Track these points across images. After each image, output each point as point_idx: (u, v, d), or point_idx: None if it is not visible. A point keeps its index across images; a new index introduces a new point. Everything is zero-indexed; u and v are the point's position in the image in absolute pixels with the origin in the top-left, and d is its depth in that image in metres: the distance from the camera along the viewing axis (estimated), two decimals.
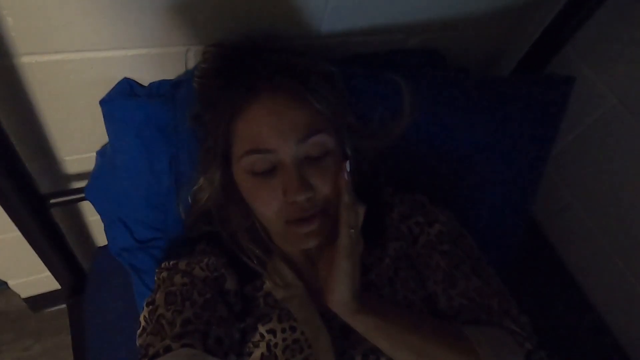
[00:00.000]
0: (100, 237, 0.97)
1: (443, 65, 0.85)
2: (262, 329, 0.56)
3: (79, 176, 0.78)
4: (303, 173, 0.52)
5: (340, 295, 0.50)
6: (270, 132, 0.51)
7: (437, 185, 0.77)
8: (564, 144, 0.87)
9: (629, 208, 0.77)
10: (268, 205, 0.54)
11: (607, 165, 0.80)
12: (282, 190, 0.52)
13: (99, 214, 0.71)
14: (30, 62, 0.56)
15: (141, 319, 0.55)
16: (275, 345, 0.55)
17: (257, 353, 0.55)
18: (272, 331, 0.56)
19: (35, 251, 0.73)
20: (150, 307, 0.54)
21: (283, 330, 0.56)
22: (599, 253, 0.84)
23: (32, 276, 1.03)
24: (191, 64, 0.65)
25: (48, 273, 0.83)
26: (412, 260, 0.62)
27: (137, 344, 0.52)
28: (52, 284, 1.02)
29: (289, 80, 0.53)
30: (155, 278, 0.59)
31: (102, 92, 0.63)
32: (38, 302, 1.13)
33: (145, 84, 0.66)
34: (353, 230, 0.51)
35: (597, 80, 0.79)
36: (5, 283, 1.02)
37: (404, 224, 0.64)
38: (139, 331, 0.54)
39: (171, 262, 0.59)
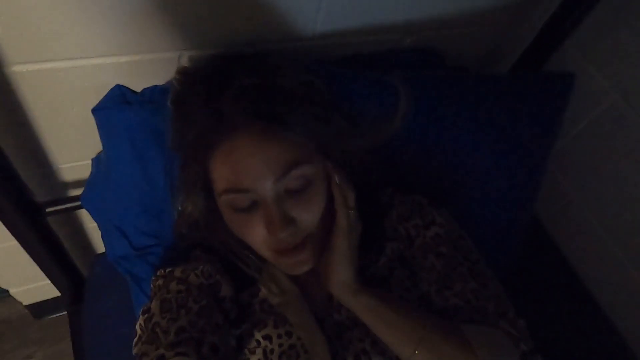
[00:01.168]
0: (99, 244, 0.97)
1: (441, 64, 0.84)
2: (258, 335, 0.56)
3: (76, 184, 0.77)
4: (284, 208, 0.51)
5: (340, 275, 0.53)
6: (246, 173, 0.50)
7: (437, 185, 0.77)
8: (565, 140, 0.86)
9: (632, 204, 0.76)
10: (253, 238, 0.54)
11: (609, 162, 0.79)
12: (265, 226, 0.51)
13: (96, 221, 0.71)
14: (22, 71, 0.56)
15: (137, 327, 0.55)
16: (272, 351, 0.55)
17: (253, 359, 0.55)
18: (268, 337, 0.55)
19: (33, 260, 0.73)
20: (146, 315, 0.54)
21: (279, 336, 0.55)
22: (603, 250, 0.83)
23: (34, 284, 1.03)
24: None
25: (49, 280, 0.83)
26: (408, 261, 0.62)
27: (133, 353, 0.52)
28: (54, 291, 1.01)
29: (262, 115, 0.50)
30: (151, 286, 0.59)
31: (95, 99, 0.63)
32: (40, 309, 1.13)
33: (138, 90, 0.65)
34: (352, 212, 0.54)
35: (598, 76, 0.78)
36: (7, 291, 1.02)
37: (402, 226, 0.63)
38: (134, 340, 0.54)
39: (167, 270, 0.59)
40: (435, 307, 0.57)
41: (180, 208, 0.62)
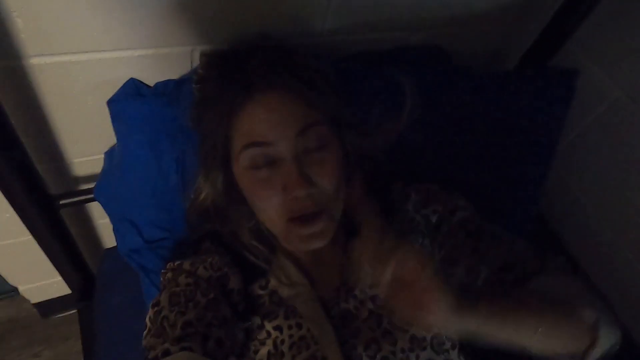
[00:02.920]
0: (108, 241, 0.98)
1: (447, 61, 0.85)
2: (268, 325, 0.56)
3: (88, 178, 0.78)
4: (303, 167, 0.52)
5: (442, 313, 0.42)
6: (267, 126, 0.51)
7: (443, 180, 0.77)
8: (570, 138, 0.87)
9: (637, 199, 0.77)
10: (269, 201, 0.53)
11: (614, 158, 0.80)
12: (283, 185, 0.52)
13: (108, 214, 0.71)
14: (40, 63, 0.57)
15: (147, 320, 0.55)
16: (282, 342, 0.55)
17: (263, 350, 0.55)
18: (278, 328, 0.56)
19: (45, 252, 0.73)
20: (156, 308, 0.54)
21: (290, 327, 0.55)
22: (609, 247, 0.83)
23: (42, 281, 1.03)
24: (197, 64, 0.66)
25: (58, 278, 0.84)
26: (436, 250, 0.62)
27: (142, 345, 0.52)
28: (62, 289, 1.02)
29: (284, 77, 0.53)
30: (161, 279, 0.59)
31: (110, 92, 0.64)
32: (48, 307, 1.13)
33: (151, 84, 0.67)
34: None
35: (601, 74, 0.79)
36: (16, 289, 1.03)
37: (419, 214, 0.63)
38: (144, 332, 0.54)
39: (176, 263, 0.59)
40: (481, 278, 0.56)
41: (193, 195, 0.62)
